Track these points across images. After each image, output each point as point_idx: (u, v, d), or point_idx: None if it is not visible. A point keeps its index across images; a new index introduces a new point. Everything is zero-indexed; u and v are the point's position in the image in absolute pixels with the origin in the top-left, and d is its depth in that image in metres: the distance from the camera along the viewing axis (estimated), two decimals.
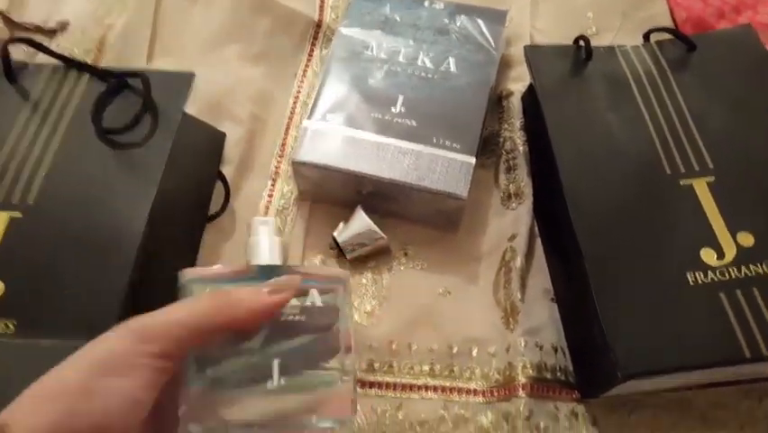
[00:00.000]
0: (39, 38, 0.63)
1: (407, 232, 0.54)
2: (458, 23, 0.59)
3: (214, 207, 0.54)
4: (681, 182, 0.46)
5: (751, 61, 0.52)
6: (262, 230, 0.40)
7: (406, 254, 0.53)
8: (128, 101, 0.46)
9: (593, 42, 0.53)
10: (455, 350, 0.48)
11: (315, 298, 0.33)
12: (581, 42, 0.52)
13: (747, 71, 0.51)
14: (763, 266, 0.42)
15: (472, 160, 0.51)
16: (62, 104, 0.47)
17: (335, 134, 0.52)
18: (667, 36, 0.54)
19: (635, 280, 0.42)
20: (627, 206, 0.45)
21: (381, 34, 0.59)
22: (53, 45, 0.63)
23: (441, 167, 0.50)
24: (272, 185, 0.56)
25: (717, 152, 0.47)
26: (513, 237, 0.53)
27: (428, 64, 0.56)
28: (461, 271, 0.52)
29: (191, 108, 0.51)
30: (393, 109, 0.53)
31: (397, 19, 0.60)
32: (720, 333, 0.39)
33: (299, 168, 0.52)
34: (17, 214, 0.42)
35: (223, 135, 0.57)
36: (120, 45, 0.62)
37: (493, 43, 0.58)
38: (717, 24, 0.65)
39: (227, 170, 0.56)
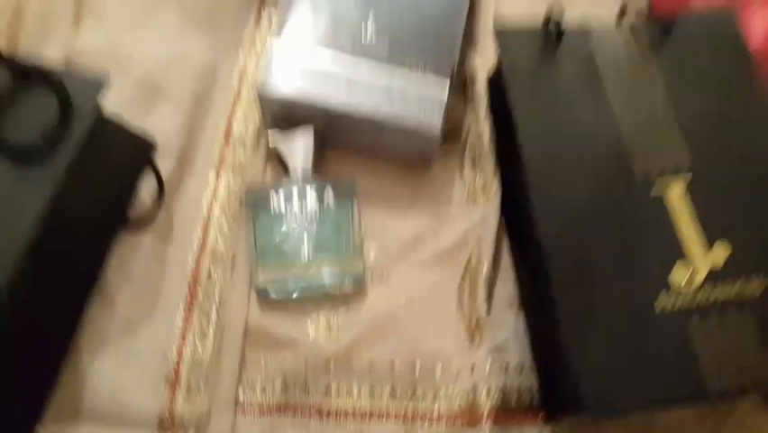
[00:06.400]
0: None
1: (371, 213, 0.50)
2: None
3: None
4: (653, 184, 0.43)
5: (730, 49, 0.48)
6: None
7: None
8: (39, 100, 0.39)
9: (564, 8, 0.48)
10: (418, 366, 0.46)
11: (330, 199, 0.48)
12: (551, 24, 0.47)
13: (726, 60, 0.47)
14: (739, 284, 0.40)
15: (446, 87, 0.47)
16: None
17: (303, 59, 0.47)
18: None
19: (603, 300, 0.40)
20: (597, 211, 0.43)
21: None
22: None
23: (413, 99, 0.47)
24: (216, 179, 0.51)
25: (694, 147, 0.44)
26: (479, 240, 0.49)
27: None
28: (424, 278, 0.49)
29: (122, 87, 0.44)
30: (364, 27, 0.49)
31: None
32: (688, 366, 0.38)
33: (264, 99, 0.48)
34: None
35: (149, 146, 0.50)
36: (42, 7, 0.53)
37: None
38: None
39: (165, 165, 0.50)
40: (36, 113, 0.38)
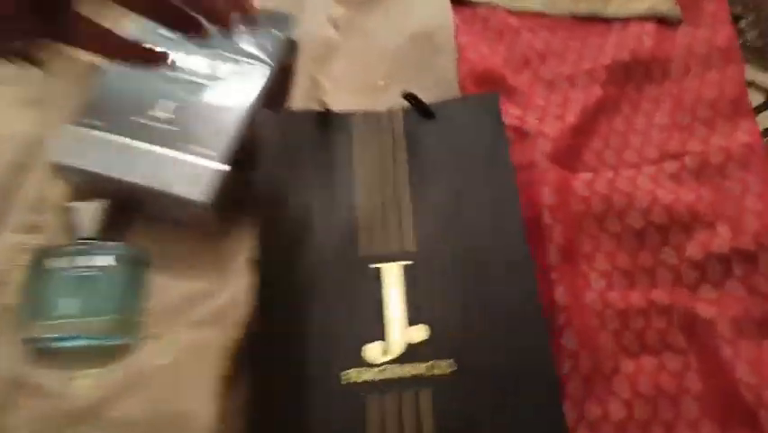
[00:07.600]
0: None
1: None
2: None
3: None
4: (371, 265, 0.46)
5: (486, 137, 0.52)
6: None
7: None
8: None
9: (383, 96, 0.56)
10: (168, 421, 0.49)
11: (111, 262, 0.52)
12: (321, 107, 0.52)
13: (480, 148, 0.51)
14: (429, 365, 0.42)
15: (221, 167, 0.52)
16: None
17: (93, 138, 0.54)
18: None
19: (297, 366, 0.43)
20: (313, 285, 0.46)
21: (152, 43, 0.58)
22: None
23: (188, 173, 0.52)
24: (17, 238, 0.56)
25: (422, 236, 0.47)
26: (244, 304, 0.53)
27: (195, 68, 0.57)
28: (194, 337, 0.52)
29: None
30: (152, 113, 0.55)
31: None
32: None
33: (56, 169, 0.54)
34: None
35: None
36: None
37: (270, 50, 0.58)
38: (514, 77, 0.63)
39: None
40: None
